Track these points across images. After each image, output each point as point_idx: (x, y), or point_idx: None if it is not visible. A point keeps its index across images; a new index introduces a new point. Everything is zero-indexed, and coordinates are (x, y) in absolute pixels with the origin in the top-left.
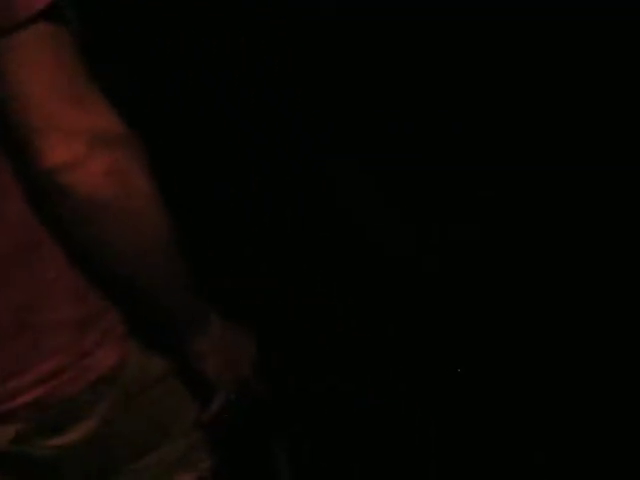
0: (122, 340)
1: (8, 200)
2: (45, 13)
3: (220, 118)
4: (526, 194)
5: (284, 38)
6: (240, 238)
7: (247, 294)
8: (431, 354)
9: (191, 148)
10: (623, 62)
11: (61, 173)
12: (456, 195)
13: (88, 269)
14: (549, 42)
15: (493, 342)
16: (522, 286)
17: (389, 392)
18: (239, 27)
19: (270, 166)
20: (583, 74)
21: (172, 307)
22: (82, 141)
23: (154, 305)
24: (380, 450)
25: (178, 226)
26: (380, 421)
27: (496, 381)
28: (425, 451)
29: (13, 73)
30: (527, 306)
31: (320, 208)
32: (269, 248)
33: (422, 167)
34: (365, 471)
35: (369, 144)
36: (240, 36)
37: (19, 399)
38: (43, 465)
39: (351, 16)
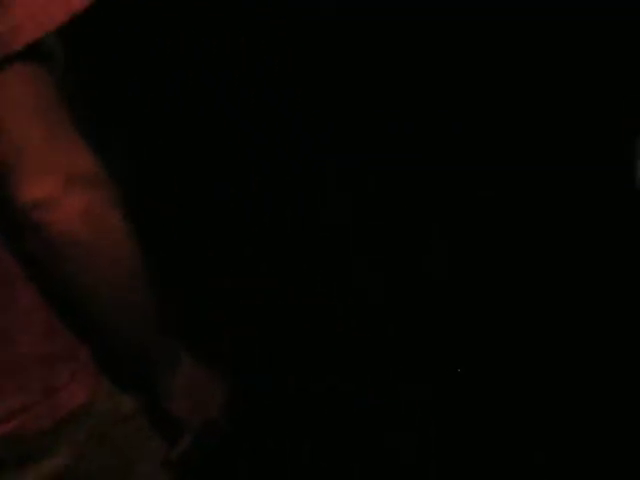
0: (93, 377)
1: None
2: (25, 52)
3: (220, 118)
4: (526, 194)
5: (284, 38)
6: (240, 238)
7: (247, 294)
8: (431, 354)
9: (191, 148)
10: (622, 62)
11: (36, 210)
12: (456, 195)
13: (60, 306)
14: (549, 42)
15: (493, 342)
16: (521, 286)
17: (389, 392)
18: (239, 27)
19: (270, 166)
20: (582, 74)
21: (143, 346)
22: (58, 180)
23: (125, 343)
24: (380, 450)
25: (172, 237)
26: (380, 421)
27: (496, 381)
28: (425, 451)
29: None
30: (527, 306)
31: (320, 208)
32: (269, 248)
33: (422, 167)
34: (365, 471)
35: (369, 144)
36: (240, 36)
37: None
38: None
39: (351, 16)
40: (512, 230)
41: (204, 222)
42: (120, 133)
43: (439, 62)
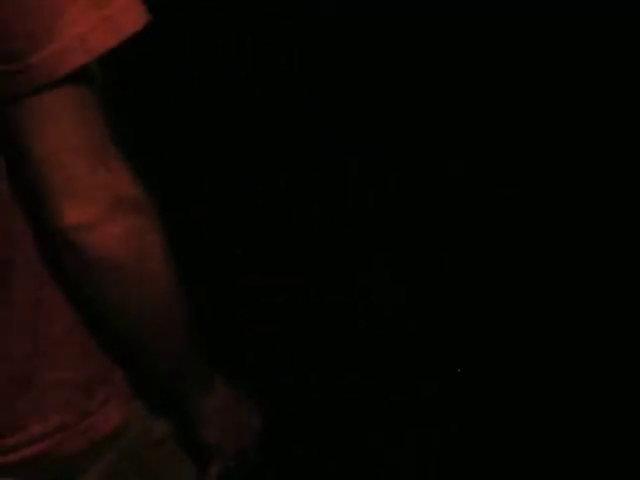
0: (126, 401)
1: (17, 253)
2: (72, 75)
3: (248, 118)
4: (528, 194)
5: (290, 38)
6: (267, 236)
7: (273, 291)
8: (431, 354)
9: (218, 147)
10: (625, 61)
11: (76, 233)
12: (459, 194)
13: (96, 329)
14: (551, 43)
15: (494, 342)
16: (523, 286)
17: (392, 392)
18: (245, 27)
19: (297, 164)
20: (584, 74)
21: (178, 371)
22: (100, 203)
23: (161, 368)
24: (382, 450)
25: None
26: (382, 421)
27: (497, 381)
28: (426, 450)
29: (37, 132)
30: (528, 306)
31: (345, 206)
32: (296, 246)
33: (425, 166)
34: (367, 471)
35: (374, 142)
36: (246, 36)
37: (19, 454)
38: None
39: (357, 16)
40: (513, 230)
41: (232, 220)
42: (145, 134)
43: (443, 62)
